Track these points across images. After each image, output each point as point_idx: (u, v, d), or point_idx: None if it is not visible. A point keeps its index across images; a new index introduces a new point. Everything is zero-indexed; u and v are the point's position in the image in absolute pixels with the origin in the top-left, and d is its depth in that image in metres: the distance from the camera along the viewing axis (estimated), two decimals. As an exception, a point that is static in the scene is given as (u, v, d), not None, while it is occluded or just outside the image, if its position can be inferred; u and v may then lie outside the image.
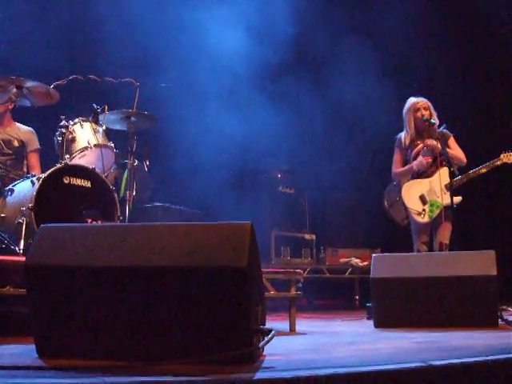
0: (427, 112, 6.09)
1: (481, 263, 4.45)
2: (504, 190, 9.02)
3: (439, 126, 6.10)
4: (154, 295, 2.45)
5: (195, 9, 7.73)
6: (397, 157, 6.30)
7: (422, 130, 6.14)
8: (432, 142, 6.02)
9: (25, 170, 6.09)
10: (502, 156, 5.96)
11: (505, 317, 4.46)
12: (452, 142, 6.14)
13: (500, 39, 8.87)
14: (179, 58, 7.72)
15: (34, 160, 6.20)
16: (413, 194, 6.04)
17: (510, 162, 5.96)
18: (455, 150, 6.06)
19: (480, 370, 2.40)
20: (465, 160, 6.07)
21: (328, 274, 8.66)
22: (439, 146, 5.92)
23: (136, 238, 2.58)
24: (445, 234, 5.93)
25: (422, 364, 2.29)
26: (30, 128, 6.28)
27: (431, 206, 5.93)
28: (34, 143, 6.24)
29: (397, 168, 6.28)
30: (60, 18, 7.56)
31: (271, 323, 5.00)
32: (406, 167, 6.21)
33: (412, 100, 6.20)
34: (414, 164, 6.10)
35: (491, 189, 8.76)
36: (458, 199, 5.85)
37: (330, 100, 8.47)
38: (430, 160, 6.07)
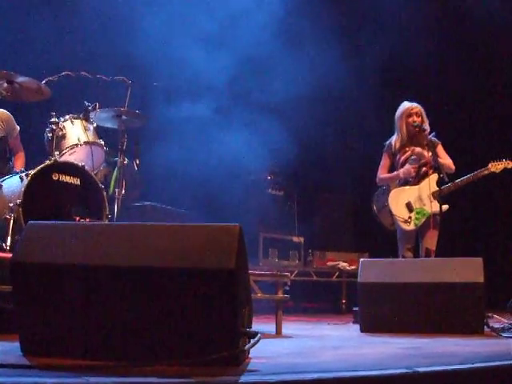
0: (419, 119, 6.08)
1: (468, 270, 4.45)
2: (491, 198, 9.06)
3: (429, 133, 6.10)
4: (140, 295, 2.44)
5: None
6: (384, 162, 6.27)
7: (413, 135, 6.13)
8: (419, 150, 6.02)
9: (10, 163, 5.96)
10: (490, 165, 5.95)
11: (491, 324, 4.46)
12: (440, 149, 6.12)
13: (490, 47, 8.91)
14: (171, 56, 7.69)
15: (17, 142, 5.97)
16: (399, 201, 6.02)
17: (497, 171, 5.95)
18: (444, 159, 6.06)
19: (465, 378, 2.40)
20: (453, 167, 6.06)
21: (315, 277, 8.67)
22: (428, 154, 5.94)
23: (124, 237, 2.57)
24: (431, 240, 5.93)
25: (407, 370, 2.29)
26: (4, 111, 5.86)
27: (417, 213, 5.93)
28: (15, 127, 5.93)
29: (382, 173, 6.25)
30: (53, 14, 7.52)
31: (258, 325, 4.99)
32: (392, 174, 6.18)
33: (406, 105, 6.17)
34: (401, 172, 6.08)
35: (478, 196, 8.78)
36: (445, 207, 5.86)
37: (319, 102, 8.47)
38: (416, 169, 6.05)
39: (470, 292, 4.37)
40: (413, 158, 6.08)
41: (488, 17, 8.20)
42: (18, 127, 5.97)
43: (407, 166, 6.06)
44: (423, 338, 3.93)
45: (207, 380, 2.03)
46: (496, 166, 5.94)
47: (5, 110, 5.87)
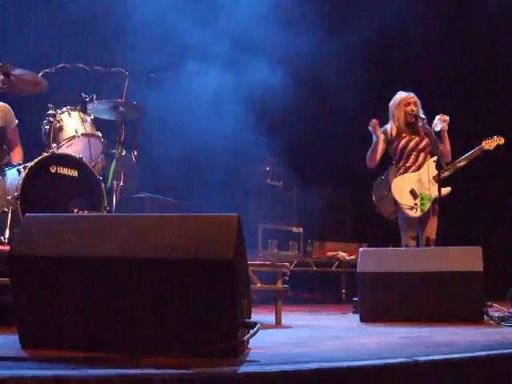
0: (416, 108, 6.09)
1: (467, 259, 4.45)
2: (491, 186, 9.06)
3: (429, 121, 6.10)
4: (138, 287, 2.44)
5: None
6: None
7: (409, 123, 6.12)
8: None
9: (8, 157, 5.92)
10: (483, 143, 6.03)
11: (490, 313, 4.47)
12: (446, 136, 6.11)
13: (484, 32, 8.90)
14: (169, 48, 7.67)
15: (14, 135, 5.88)
16: (403, 189, 6.01)
17: (491, 148, 6.02)
18: (445, 145, 6.04)
19: (464, 366, 2.40)
20: (449, 156, 6.07)
21: (315, 268, 8.68)
22: (425, 140, 5.94)
23: (122, 228, 2.56)
24: (431, 228, 5.94)
25: (407, 360, 2.29)
26: (3, 103, 5.78)
27: (422, 199, 5.93)
28: (14, 120, 5.84)
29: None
30: (48, 6, 7.49)
31: (257, 316, 4.99)
32: (373, 144, 6.11)
33: (403, 94, 6.17)
34: (379, 133, 6.04)
35: (479, 184, 8.79)
36: (447, 190, 5.88)
37: (318, 96, 8.46)
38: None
39: (469, 281, 4.37)
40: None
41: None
42: (17, 121, 5.93)
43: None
44: (422, 327, 3.93)
45: (206, 371, 2.03)
46: (489, 144, 6.03)
47: (5, 103, 5.82)
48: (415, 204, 5.94)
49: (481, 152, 6.03)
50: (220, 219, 2.53)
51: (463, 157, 6.02)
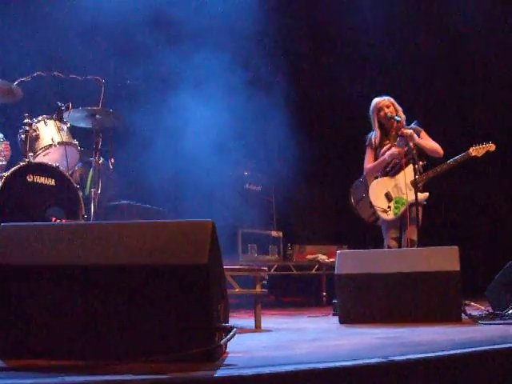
0: (390, 109, 6.08)
1: (444, 259, 4.48)
2: (469, 185, 9.13)
3: (411, 121, 6.12)
4: (114, 294, 2.44)
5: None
6: (369, 155, 6.24)
7: (390, 128, 6.14)
8: (407, 131, 5.95)
9: None
10: (470, 150, 5.92)
11: (468, 312, 4.50)
12: (424, 135, 6.09)
13: (466, 37, 8.97)
14: (145, 55, 7.67)
15: None
16: (379, 191, 6.05)
17: (479, 155, 5.92)
18: (430, 142, 6.04)
19: (441, 365, 2.41)
20: (441, 151, 5.98)
21: (295, 271, 8.70)
22: (413, 136, 5.89)
23: (97, 236, 2.56)
24: (412, 230, 5.96)
25: (383, 360, 2.30)
26: None
27: (396, 202, 5.96)
28: None
29: (369, 163, 6.23)
30: (23, 13, 7.46)
31: (238, 320, 5.02)
32: (378, 160, 6.15)
33: (375, 100, 6.18)
34: (387, 155, 6.05)
35: (455, 185, 8.85)
36: (425, 195, 5.88)
37: (296, 98, 8.49)
38: (403, 150, 6.01)
39: (446, 280, 4.40)
40: (398, 139, 6.06)
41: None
42: None
43: (393, 149, 6.05)
44: (401, 328, 3.94)
45: (182, 376, 2.03)
46: (477, 150, 5.88)
47: None
48: (388, 207, 5.97)
49: (467, 158, 5.97)
50: (194, 225, 2.54)
51: (446, 163, 5.96)
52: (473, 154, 5.91)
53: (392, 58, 9.08)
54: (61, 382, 1.93)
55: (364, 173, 6.27)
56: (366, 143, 6.28)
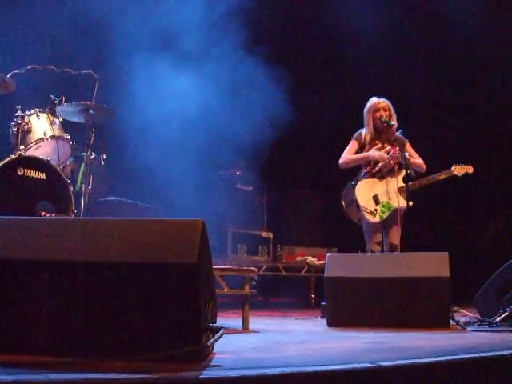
0: (387, 113, 6.08)
1: (434, 264, 4.49)
2: (457, 193, 9.14)
3: (397, 129, 6.13)
4: (102, 291, 2.42)
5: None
6: (351, 147, 6.17)
7: (380, 130, 6.14)
8: (396, 153, 5.98)
9: None
10: (453, 168, 6.07)
11: (456, 318, 4.51)
12: (409, 148, 6.14)
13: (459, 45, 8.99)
14: (140, 50, 7.63)
15: None
16: (367, 193, 6.05)
17: (459, 174, 6.08)
18: (416, 158, 6.10)
19: (428, 371, 2.41)
20: (424, 167, 6.11)
21: (284, 272, 8.69)
22: (399, 153, 5.92)
23: (86, 232, 2.54)
24: (395, 235, 5.99)
25: (371, 365, 2.29)
26: None
27: (383, 207, 5.97)
28: None
29: (349, 154, 6.18)
30: (18, 6, 7.42)
31: (226, 321, 5.00)
32: (361, 154, 6.11)
33: (373, 100, 6.18)
34: (374, 154, 6.02)
35: (445, 190, 8.86)
36: (408, 204, 5.90)
37: (289, 101, 8.47)
38: (393, 163, 6.03)
39: (435, 286, 4.40)
40: (391, 152, 6.07)
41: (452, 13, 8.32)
42: None
43: (384, 154, 6.05)
44: (389, 333, 3.95)
45: (168, 376, 2.02)
46: (459, 170, 6.07)
47: None
48: (375, 210, 5.98)
49: (449, 176, 6.09)
50: (185, 224, 2.53)
51: (431, 176, 6.06)
52: (454, 173, 6.04)
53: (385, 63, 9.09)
54: (45, 379, 1.91)
55: (340, 161, 6.18)
56: (353, 137, 6.24)
